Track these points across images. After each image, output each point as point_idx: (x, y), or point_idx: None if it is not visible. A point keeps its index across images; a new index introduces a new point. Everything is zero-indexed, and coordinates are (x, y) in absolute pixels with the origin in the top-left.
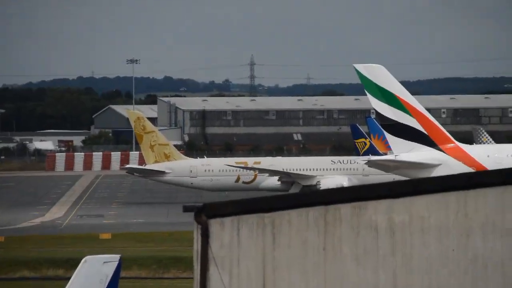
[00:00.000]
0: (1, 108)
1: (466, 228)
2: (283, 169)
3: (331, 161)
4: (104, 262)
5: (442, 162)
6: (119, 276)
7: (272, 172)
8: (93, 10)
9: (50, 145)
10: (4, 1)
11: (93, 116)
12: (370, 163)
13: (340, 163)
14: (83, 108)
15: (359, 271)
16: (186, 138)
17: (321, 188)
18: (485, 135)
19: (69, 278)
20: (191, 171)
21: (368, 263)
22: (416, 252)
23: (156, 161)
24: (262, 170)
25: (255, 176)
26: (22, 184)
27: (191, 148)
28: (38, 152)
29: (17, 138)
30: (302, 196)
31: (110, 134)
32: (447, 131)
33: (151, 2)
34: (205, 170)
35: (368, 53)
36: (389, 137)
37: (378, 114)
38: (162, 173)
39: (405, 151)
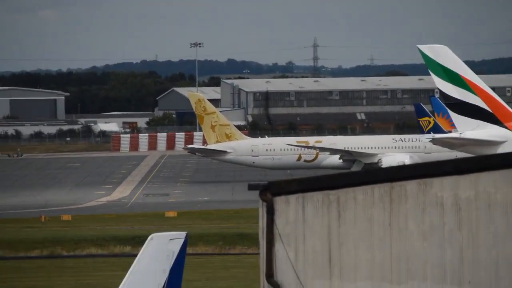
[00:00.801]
0: (65, 92)
1: None
2: (344, 148)
3: (393, 139)
4: (171, 239)
5: (507, 139)
6: (185, 253)
7: (333, 151)
8: None
9: (115, 127)
10: None
11: (156, 98)
12: (435, 141)
13: (402, 141)
14: (146, 91)
15: (425, 246)
16: (250, 119)
17: (382, 166)
18: None
19: (136, 255)
20: (252, 150)
21: (434, 239)
22: (482, 228)
23: (217, 141)
24: (322, 149)
25: (317, 154)
26: (87, 165)
27: (254, 128)
28: (103, 134)
29: (82, 121)
30: (367, 173)
31: (174, 116)
32: None
33: None
34: (267, 149)
35: (431, 34)
36: (454, 115)
37: (442, 93)
38: (224, 152)
39: (469, 129)
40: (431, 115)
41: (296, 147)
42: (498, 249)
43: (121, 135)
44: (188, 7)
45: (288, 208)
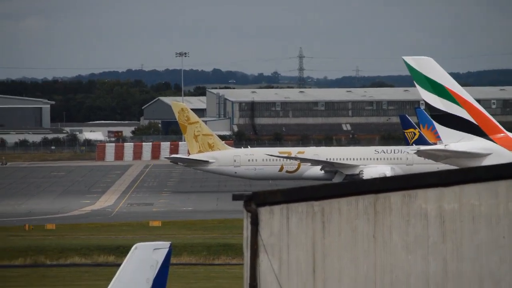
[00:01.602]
0: (51, 100)
1: None
2: (326, 159)
3: (375, 150)
4: (155, 249)
5: (492, 151)
6: (169, 263)
7: (314, 162)
8: (142, 3)
9: (100, 136)
10: None
11: (142, 108)
12: (419, 153)
13: (384, 152)
14: (132, 100)
15: (409, 258)
16: (235, 129)
17: (363, 177)
18: None
19: (119, 265)
20: (234, 161)
21: (418, 251)
22: (466, 240)
23: (200, 151)
24: (304, 160)
25: (299, 165)
26: (72, 173)
27: (240, 138)
28: (88, 143)
29: (67, 129)
30: (352, 184)
31: (159, 125)
32: (497, 121)
33: None
34: (249, 160)
35: (417, 46)
36: (439, 127)
37: (428, 105)
38: (206, 162)
39: (455, 141)
40: (416, 126)
41: (278, 157)
42: (482, 262)
43: (106, 144)
44: (174, 16)
45: (272, 218)
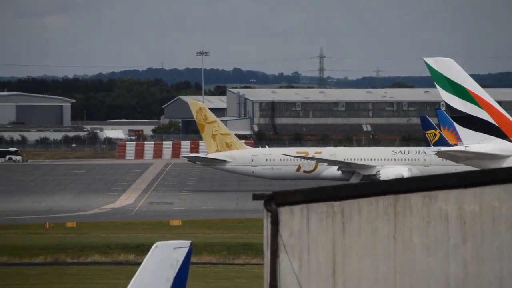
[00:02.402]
0: (71, 98)
1: None
2: (344, 159)
3: (393, 151)
4: (175, 248)
5: None
6: (189, 262)
7: (331, 162)
8: (163, 2)
9: (121, 134)
10: None
11: (162, 106)
12: (440, 154)
13: (402, 153)
14: (152, 98)
15: (429, 260)
16: (256, 129)
17: (380, 178)
18: None
19: (140, 263)
20: (252, 160)
21: (439, 252)
22: (487, 242)
23: (217, 150)
24: (320, 160)
25: (316, 165)
26: (93, 172)
27: (260, 138)
28: (109, 141)
29: (88, 127)
30: (372, 185)
31: (180, 124)
32: None
33: None
34: (266, 159)
35: (438, 47)
36: (460, 128)
37: (448, 106)
38: (224, 161)
39: (475, 142)
40: (437, 128)
41: (295, 158)
42: (502, 264)
43: (127, 142)
44: (195, 15)
45: (292, 218)
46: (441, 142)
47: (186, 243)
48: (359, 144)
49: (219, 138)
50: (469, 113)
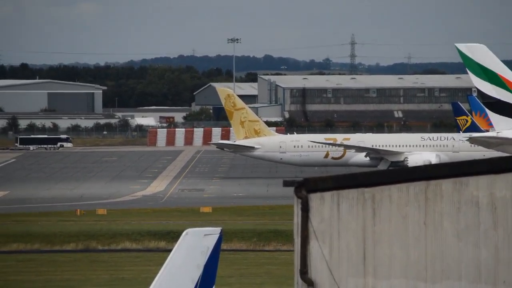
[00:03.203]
0: (103, 85)
1: None
2: (372, 146)
3: (421, 137)
4: (205, 235)
5: None
6: (220, 249)
7: (359, 149)
8: None
9: (152, 121)
10: None
11: (194, 94)
12: (471, 140)
13: (430, 139)
14: (183, 86)
15: (460, 246)
16: (287, 115)
17: (408, 165)
18: None
19: (170, 250)
20: (280, 147)
21: (469, 238)
22: None
23: (246, 137)
24: (347, 147)
25: (344, 152)
26: (124, 159)
27: (291, 125)
28: (140, 128)
29: (119, 114)
30: (403, 171)
31: (211, 111)
32: None
33: None
34: (294, 146)
35: (470, 33)
36: (491, 114)
37: (480, 92)
38: (252, 148)
39: (507, 128)
40: (468, 114)
41: (323, 144)
42: None
43: (158, 129)
44: (226, 2)
45: (323, 205)
46: (473, 128)
47: (217, 230)
48: (390, 130)
49: (247, 124)
50: (501, 98)
